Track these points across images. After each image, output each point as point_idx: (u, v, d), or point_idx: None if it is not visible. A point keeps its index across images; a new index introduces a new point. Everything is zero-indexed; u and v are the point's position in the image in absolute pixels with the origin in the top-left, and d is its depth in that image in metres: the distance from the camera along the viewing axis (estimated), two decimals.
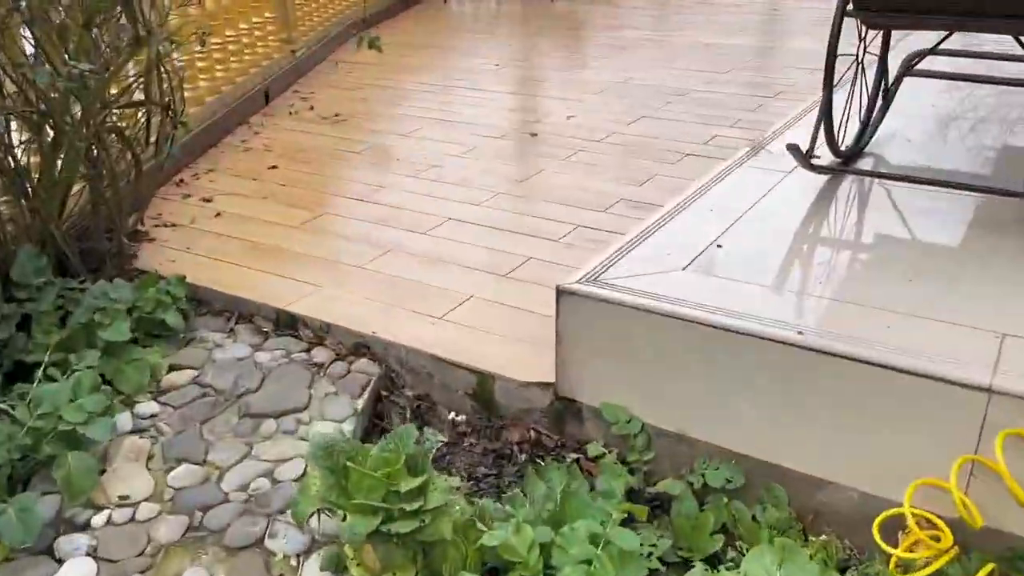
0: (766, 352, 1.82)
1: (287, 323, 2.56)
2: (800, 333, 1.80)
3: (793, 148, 2.56)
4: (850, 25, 2.55)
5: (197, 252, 2.96)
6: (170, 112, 2.71)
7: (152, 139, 2.73)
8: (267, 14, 5.03)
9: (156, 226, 3.16)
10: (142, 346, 2.39)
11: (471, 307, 2.55)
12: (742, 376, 1.87)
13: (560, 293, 2.07)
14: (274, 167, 3.79)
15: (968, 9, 2.27)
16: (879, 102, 3.03)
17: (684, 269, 2.12)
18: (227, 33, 4.48)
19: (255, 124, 4.44)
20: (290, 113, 4.63)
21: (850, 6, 2.46)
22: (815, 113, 3.33)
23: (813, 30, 6.35)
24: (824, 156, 2.69)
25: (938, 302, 1.93)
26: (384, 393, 2.34)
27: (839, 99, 2.62)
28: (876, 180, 2.67)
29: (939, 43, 2.83)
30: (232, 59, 4.51)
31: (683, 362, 1.94)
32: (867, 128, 2.94)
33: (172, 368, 2.37)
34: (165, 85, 2.67)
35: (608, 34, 6.47)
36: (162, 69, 2.64)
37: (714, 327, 1.87)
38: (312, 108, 4.71)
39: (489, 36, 6.68)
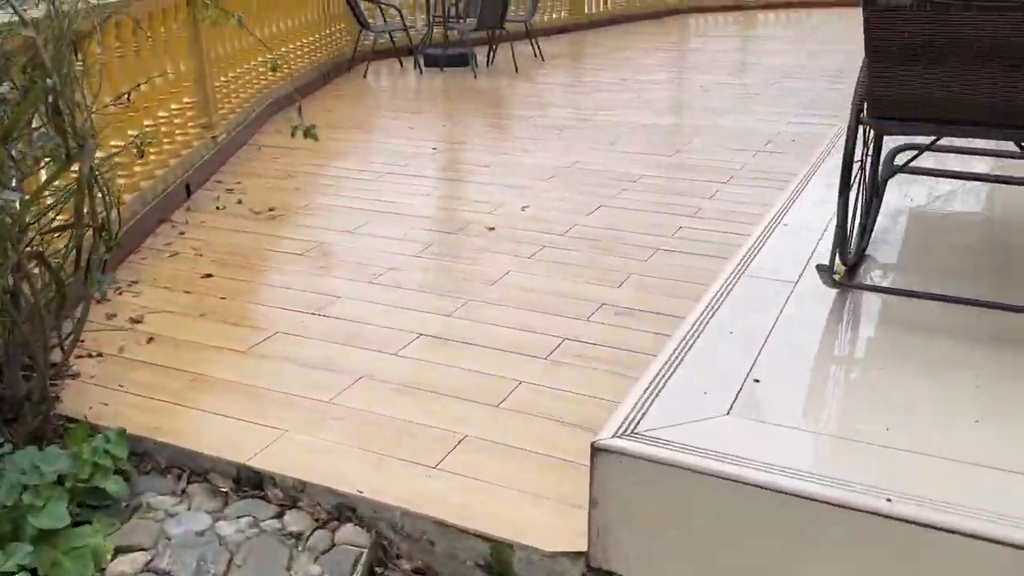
0: (848, 522, 1.59)
1: (251, 481, 2.18)
2: (888, 500, 1.58)
3: (823, 270, 2.38)
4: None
5: (131, 390, 2.55)
6: (103, 233, 2.33)
7: (81, 264, 2.33)
8: (186, 99, 4.66)
9: (79, 356, 2.72)
10: (75, 522, 1.98)
11: (466, 450, 2.24)
12: (817, 550, 1.63)
13: (596, 451, 1.79)
14: (208, 275, 3.40)
15: (989, 119, 2.17)
16: (874, 201, 2.92)
17: (728, 413, 1.88)
18: (145, 123, 4.09)
19: (179, 222, 4.03)
20: (217, 208, 4.24)
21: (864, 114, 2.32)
22: (790, 214, 3.22)
23: (742, 107, 6.39)
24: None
25: (1010, 448, 1.75)
26: (378, 569, 1.99)
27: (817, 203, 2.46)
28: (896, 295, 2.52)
29: (928, 146, 2.73)
30: (151, 150, 4.11)
31: (745, 530, 1.69)
32: (865, 229, 2.81)
33: (119, 551, 1.96)
34: (99, 205, 2.30)
35: (537, 113, 6.35)
36: (95, 186, 2.27)
37: (783, 492, 1.63)
38: (240, 201, 4.34)
39: (417, 114, 6.46)
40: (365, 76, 8.15)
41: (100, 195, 2.31)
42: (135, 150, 2.96)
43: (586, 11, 11.90)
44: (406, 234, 3.84)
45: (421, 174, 4.86)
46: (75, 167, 2.22)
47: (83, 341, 2.81)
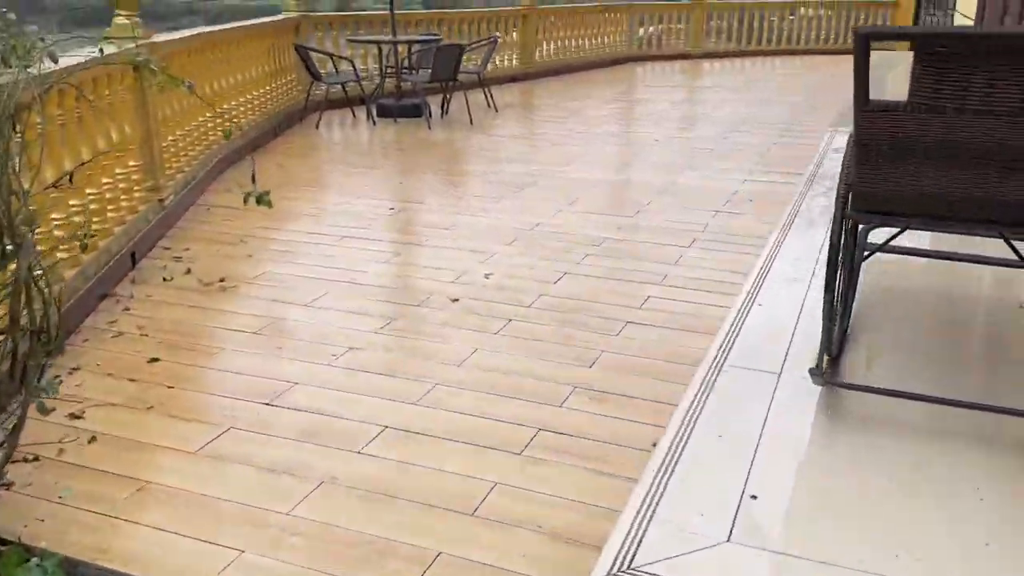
0: None
1: None
2: None
3: (815, 373, 2.28)
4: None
5: (71, 503, 2.32)
6: (41, 336, 2.12)
7: (17, 371, 2.11)
8: (132, 163, 4.43)
9: (14, 460, 2.48)
10: None
11: (442, 572, 2.06)
12: None
13: None
14: (155, 359, 3.18)
15: (978, 216, 2.10)
16: (852, 282, 2.84)
17: (729, 539, 1.75)
18: (88, 191, 3.86)
19: (123, 297, 3.80)
20: (164, 279, 4.01)
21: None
22: (763, 291, 3.14)
23: (696, 163, 6.38)
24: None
25: None
26: None
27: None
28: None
29: (905, 227, 2.67)
30: (94, 219, 3.88)
31: None
32: (845, 310, 2.73)
33: None
34: (37, 305, 2.09)
35: (494, 168, 6.25)
36: (33, 287, 2.06)
37: None
38: (189, 271, 4.12)
39: (372, 170, 6.30)
40: (317, 127, 7.98)
41: (38, 293, 2.11)
42: (78, 243, 2.73)
43: (536, 59, 11.94)
44: (366, 307, 3.66)
45: (379, 237, 4.70)
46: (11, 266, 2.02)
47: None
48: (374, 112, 8.35)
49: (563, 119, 8.41)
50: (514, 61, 11.53)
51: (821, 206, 4.38)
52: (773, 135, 7.41)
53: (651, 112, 8.93)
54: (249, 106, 7.06)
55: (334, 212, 5.13)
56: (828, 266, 2.24)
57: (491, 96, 9.12)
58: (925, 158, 1.97)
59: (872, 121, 1.99)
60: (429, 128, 7.96)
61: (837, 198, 2.24)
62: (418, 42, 8.65)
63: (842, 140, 5.88)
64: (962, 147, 1.91)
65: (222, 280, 3.99)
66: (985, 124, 1.86)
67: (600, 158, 6.66)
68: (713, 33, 14.68)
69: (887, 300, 3.04)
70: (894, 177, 2.04)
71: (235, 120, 6.65)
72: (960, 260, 2.95)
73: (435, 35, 9.44)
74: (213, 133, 6.10)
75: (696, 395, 2.33)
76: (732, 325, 2.81)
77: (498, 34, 9.50)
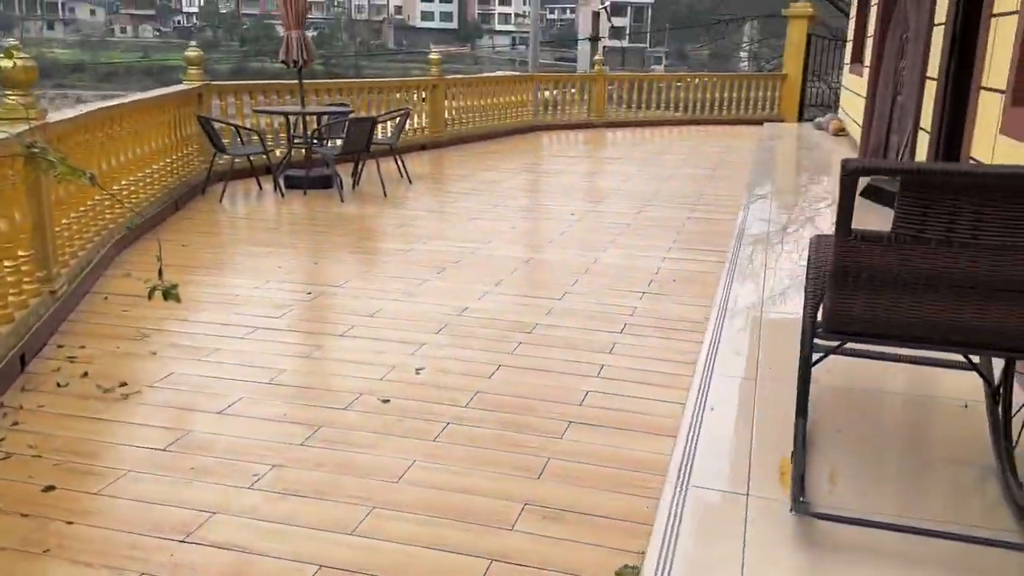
0: None
1: None
2: None
3: (800, 505, 2.14)
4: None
5: None
6: None
7: None
8: (21, 252, 4.01)
9: None
10: None
11: None
12: None
13: None
14: (51, 488, 2.78)
15: (949, 339, 2.02)
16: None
17: None
18: None
19: (11, 408, 3.37)
20: (59, 384, 3.60)
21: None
22: (712, 393, 3.02)
23: (616, 240, 6.34)
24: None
25: None
26: None
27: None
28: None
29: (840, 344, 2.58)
30: None
31: None
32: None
33: None
34: None
35: (413, 246, 6.04)
36: None
37: None
38: (87, 374, 3.71)
39: (283, 249, 5.99)
40: (221, 200, 7.60)
41: None
42: None
43: (446, 128, 11.89)
44: (287, 413, 3.36)
45: (296, 328, 4.40)
46: None
47: None
48: (282, 184, 8.04)
49: (478, 191, 8.31)
50: (424, 130, 11.43)
51: (752, 294, 4.35)
52: (684, 210, 7.49)
53: (563, 184, 8.93)
54: (149, 180, 6.65)
55: (245, 299, 4.79)
56: (799, 394, 2.12)
57: (404, 166, 8.95)
58: (904, 287, 1.88)
59: (852, 251, 1.89)
60: (341, 201, 7.70)
61: (804, 319, 2.13)
62: (328, 113, 8.42)
63: (759, 222, 5.94)
64: (943, 277, 1.83)
65: (123, 384, 3.60)
66: (969, 256, 1.79)
67: (519, 234, 6.55)
68: (614, 103, 15.03)
69: (837, 402, 2.96)
70: (870, 303, 1.95)
71: (134, 197, 6.24)
72: (924, 364, 2.89)
73: (345, 105, 9.25)
74: (110, 212, 5.69)
75: (666, 527, 2.15)
76: (688, 435, 2.66)
77: (409, 106, 9.37)
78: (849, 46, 11.85)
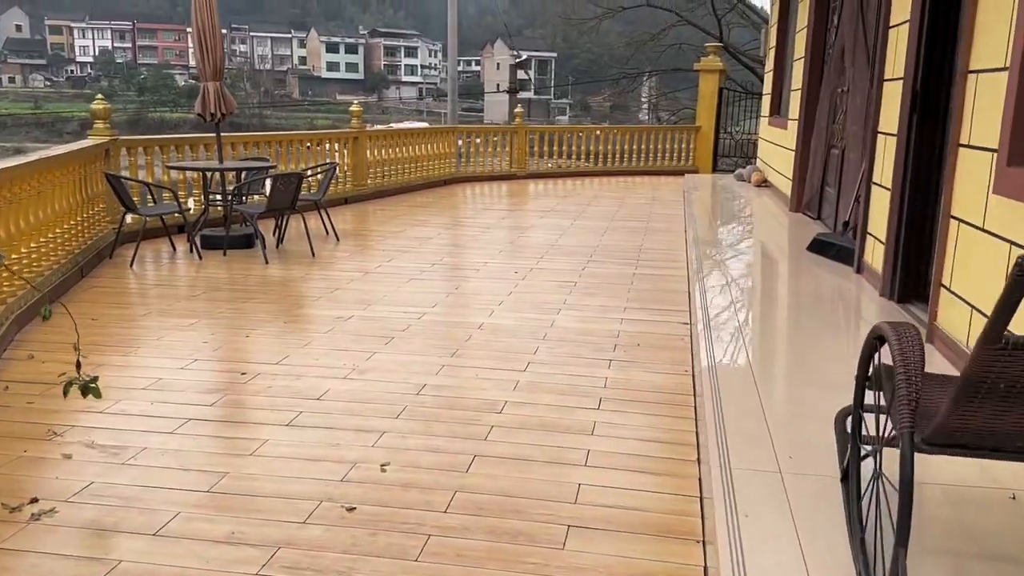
0: None
1: None
2: None
3: None
4: None
5: None
6: None
7: None
8: None
9: None
10: None
11: None
12: None
13: None
14: None
15: None
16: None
17: None
18: None
19: None
20: None
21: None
22: (738, 504, 2.65)
23: (567, 301, 6.00)
24: None
25: None
26: None
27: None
28: None
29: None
30: None
31: None
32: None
33: None
34: None
35: (355, 312, 5.55)
36: None
37: None
38: None
39: (207, 320, 5.38)
40: (132, 265, 6.91)
41: None
42: None
43: (368, 181, 11.43)
44: (237, 532, 2.81)
45: (234, 417, 3.84)
46: None
47: None
48: (198, 244, 7.40)
49: (412, 249, 7.86)
50: (347, 184, 10.95)
51: (739, 362, 4.04)
52: (628, 265, 7.23)
53: (499, 239, 8.58)
54: (51, 246, 5.95)
55: (170, 384, 4.19)
56: (902, 517, 1.76)
57: (330, 222, 8.44)
58: None
59: (1000, 359, 1.55)
60: (265, 262, 7.13)
61: (904, 436, 1.78)
62: (248, 169, 7.86)
63: (715, 276, 5.67)
64: None
65: (34, 501, 2.98)
66: None
67: (465, 296, 6.13)
68: (534, 154, 14.90)
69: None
70: (996, 415, 1.62)
71: (35, 265, 5.54)
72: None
73: (264, 159, 8.71)
74: (8, 285, 5.00)
75: None
76: (732, 556, 2.27)
77: (335, 160, 8.89)
78: (766, 99, 12.05)
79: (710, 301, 5.27)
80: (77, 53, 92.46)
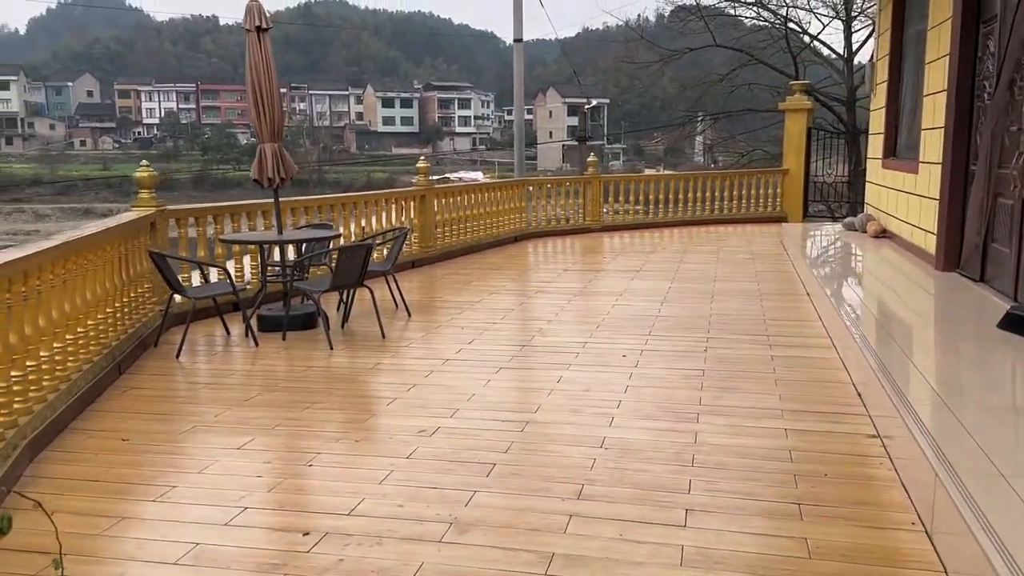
0: None
1: None
2: None
3: None
4: None
5: None
6: None
7: None
8: None
9: None
10: None
11: None
12: None
13: None
14: None
15: None
16: None
17: None
18: None
19: None
20: None
21: None
22: None
23: (708, 401, 4.77)
24: None
25: None
26: None
27: None
28: None
29: None
30: None
31: None
32: None
33: None
34: None
35: (440, 424, 4.41)
36: None
37: None
38: None
39: (261, 437, 4.30)
40: (179, 356, 5.92)
41: None
42: None
43: (436, 242, 10.43)
44: None
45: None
46: None
47: None
48: (254, 329, 6.40)
49: (492, 325, 6.74)
50: (413, 245, 9.95)
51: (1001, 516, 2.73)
52: (759, 343, 5.98)
53: (592, 310, 7.41)
54: (83, 340, 4.98)
55: (211, 555, 3.08)
56: None
57: (399, 293, 7.39)
58: None
59: None
60: (330, 347, 6.07)
61: None
62: (311, 240, 6.88)
63: (899, 362, 4.06)
64: None
65: None
66: None
67: (572, 394, 4.93)
68: (610, 206, 13.78)
69: None
70: None
71: (59, 369, 4.55)
72: None
73: (327, 225, 7.74)
74: (20, 400, 4.01)
75: None
76: None
77: (407, 226, 7.87)
78: (875, 139, 10.75)
79: (872, 400, 3.96)
80: (144, 115, 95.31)
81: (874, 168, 10.70)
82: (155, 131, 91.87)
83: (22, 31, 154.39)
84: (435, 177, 13.19)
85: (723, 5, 22.90)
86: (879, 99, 10.49)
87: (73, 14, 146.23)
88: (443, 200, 10.64)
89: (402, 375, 5.38)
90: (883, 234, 9.78)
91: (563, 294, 8.16)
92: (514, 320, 7.05)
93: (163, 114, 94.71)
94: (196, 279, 7.08)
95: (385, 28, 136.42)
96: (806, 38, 22.83)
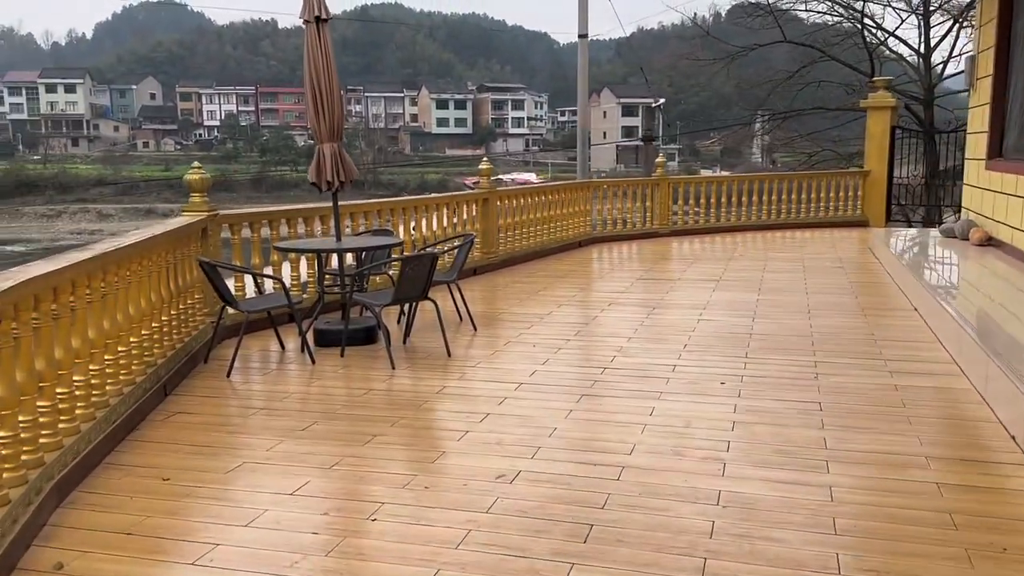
0: None
1: None
2: None
3: None
4: None
5: None
6: None
7: None
8: None
9: None
10: None
11: None
12: None
13: None
14: None
15: None
16: None
17: None
18: None
19: None
20: None
21: None
22: None
23: (838, 449, 4.06)
24: None
25: None
26: None
27: None
28: None
29: None
30: None
31: None
32: None
33: None
34: None
35: (516, 464, 3.80)
36: None
37: None
38: None
39: (313, 480, 3.73)
40: (229, 374, 5.41)
41: None
42: None
43: (499, 247, 9.83)
44: None
45: None
46: None
47: None
48: (310, 345, 5.87)
49: (567, 341, 6.11)
50: (475, 251, 9.36)
51: None
52: (877, 370, 5.23)
53: (676, 325, 6.72)
54: (125, 360, 4.49)
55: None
56: None
57: (464, 305, 6.80)
58: None
59: None
60: (392, 367, 5.50)
61: None
62: (371, 249, 6.33)
63: None
64: None
65: None
66: None
67: (671, 429, 4.26)
68: (680, 208, 13.02)
69: None
70: None
71: (95, 394, 4.05)
72: None
73: (389, 232, 7.20)
74: (48, 433, 3.51)
75: None
76: None
77: (473, 233, 7.27)
78: (976, 139, 9.82)
79: None
80: (205, 118, 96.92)
81: (975, 170, 9.77)
82: (215, 133, 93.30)
83: (89, 35, 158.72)
84: (509, 184, 12.61)
85: (792, 0, 21.86)
86: (981, 95, 9.56)
87: (137, 18, 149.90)
88: (506, 203, 10.04)
89: (472, 402, 4.78)
90: (988, 242, 8.86)
91: (640, 306, 7.48)
92: (589, 337, 6.40)
93: (223, 116, 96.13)
94: (250, 287, 6.59)
95: (440, 30, 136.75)
96: (880, 34, 21.64)
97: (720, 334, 6.29)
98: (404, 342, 6.19)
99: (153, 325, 5.02)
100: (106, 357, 4.30)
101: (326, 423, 4.47)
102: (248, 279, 6.54)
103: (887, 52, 21.97)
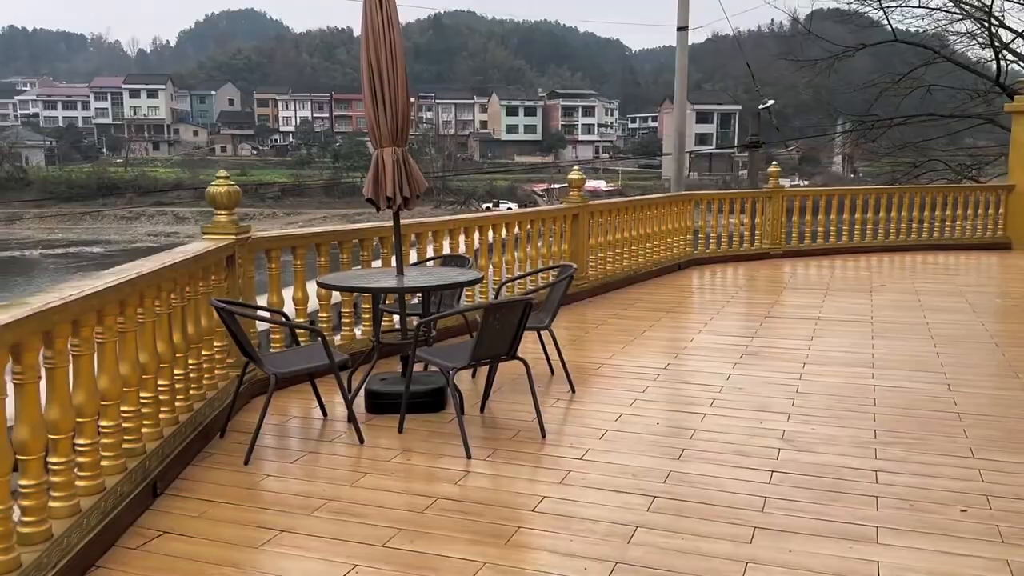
0: None
1: None
2: None
3: None
4: None
5: None
6: None
7: None
8: None
9: None
10: None
11: None
12: None
13: None
14: None
15: None
16: None
17: None
18: None
19: None
20: None
21: None
22: None
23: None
24: None
25: None
26: None
27: None
28: None
29: None
30: None
31: None
32: None
33: None
34: None
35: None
36: None
37: None
38: None
39: None
40: (247, 462, 3.93)
41: None
42: None
43: (590, 271, 8.24)
44: None
45: None
46: None
47: None
48: (359, 416, 4.36)
49: (709, 412, 4.46)
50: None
51: None
52: None
53: (847, 395, 4.98)
54: (94, 453, 3.05)
55: None
56: None
57: (559, 357, 5.21)
58: None
59: None
60: (467, 455, 3.95)
61: None
62: (441, 288, 4.80)
63: None
64: None
65: None
66: None
67: (825, 560, 2.61)
68: (795, 226, 11.21)
69: None
70: None
71: (35, 522, 2.60)
72: None
73: (465, 260, 5.67)
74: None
75: None
76: None
77: (573, 265, 5.66)
78: None
79: None
80: (281, 123, 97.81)
81: None
82: (291, 139, 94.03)
83: (172, 43, 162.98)
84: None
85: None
86: None
87: (219, 26, 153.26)
88: (597, 220, 8.44)
89: (588, 527, 3.19)
90: None
91: (784, 360, 5.77)
92: (732, 410, 4.70)
93: (298, 122, 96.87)
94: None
95: (511, 37, 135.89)
96: (1006, 34, 19.28)
97: (917, 411, 4.54)
98: (481, 410, 4.65)
99: (144, 396, 3.58)
100: (53, 461, 2.86)
101: (371, 565, 2.93)
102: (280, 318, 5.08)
103: (1012, 55, 19.54)
